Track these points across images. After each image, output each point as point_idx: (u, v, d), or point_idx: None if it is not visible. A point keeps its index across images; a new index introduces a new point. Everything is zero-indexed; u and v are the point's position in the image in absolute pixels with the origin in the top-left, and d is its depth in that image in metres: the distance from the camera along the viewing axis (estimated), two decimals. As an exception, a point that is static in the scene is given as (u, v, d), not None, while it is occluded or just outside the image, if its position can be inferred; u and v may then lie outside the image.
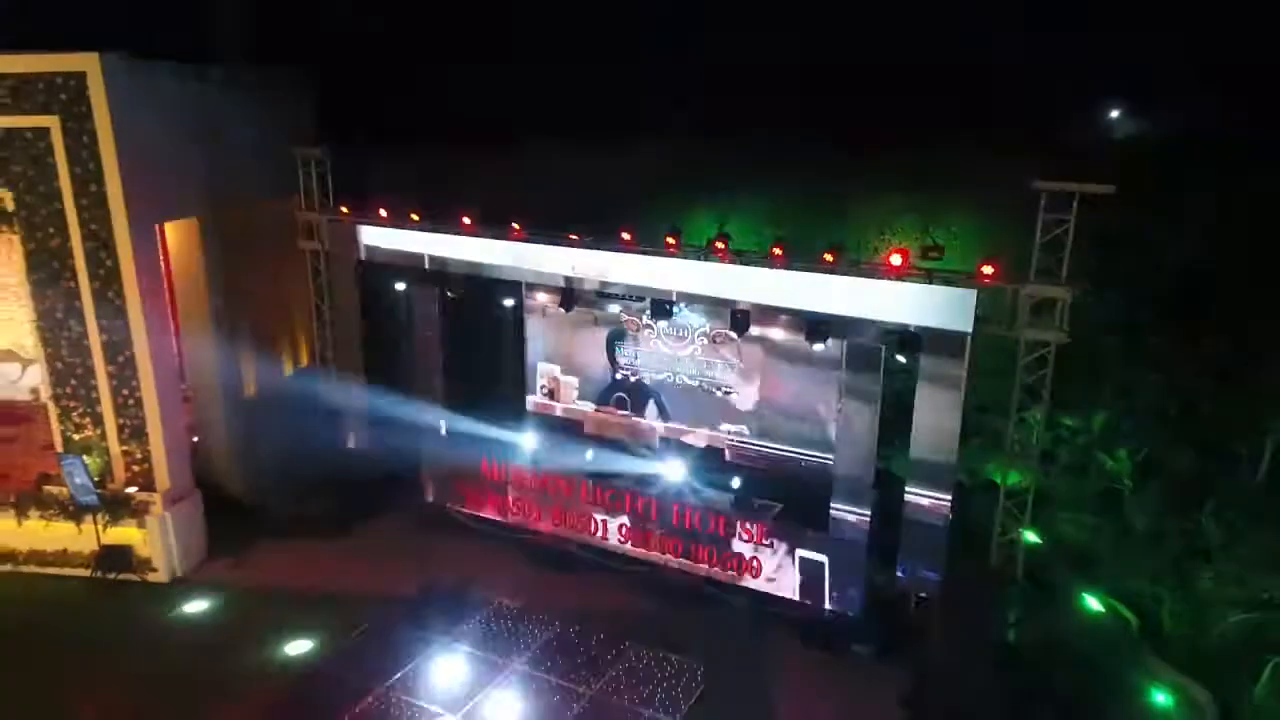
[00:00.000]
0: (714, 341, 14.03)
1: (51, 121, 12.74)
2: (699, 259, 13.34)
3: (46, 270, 13.52)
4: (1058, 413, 15.14)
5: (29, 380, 18.57)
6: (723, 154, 16.77)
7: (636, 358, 14.84)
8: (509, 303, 15.49)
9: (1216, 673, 11.32)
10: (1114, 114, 16.64)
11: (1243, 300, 12.71)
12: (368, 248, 15.78)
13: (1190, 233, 13.53)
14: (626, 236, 13.93)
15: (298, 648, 12.60)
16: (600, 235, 14.05)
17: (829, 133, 15.65)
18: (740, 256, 13.29)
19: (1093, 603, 13.42)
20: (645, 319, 14.48)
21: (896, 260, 11.47)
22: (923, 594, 12.58)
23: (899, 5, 16.51)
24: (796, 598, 13.40)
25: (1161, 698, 11.61)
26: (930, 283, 11.41)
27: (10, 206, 13.23)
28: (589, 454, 15.22)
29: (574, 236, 14.18)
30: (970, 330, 11.13)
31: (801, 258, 12.58)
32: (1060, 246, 10.78)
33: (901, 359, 12.08)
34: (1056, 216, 10.48)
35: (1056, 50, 15.05)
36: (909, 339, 11.68)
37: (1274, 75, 13.53)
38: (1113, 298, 14.65)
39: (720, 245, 13.17)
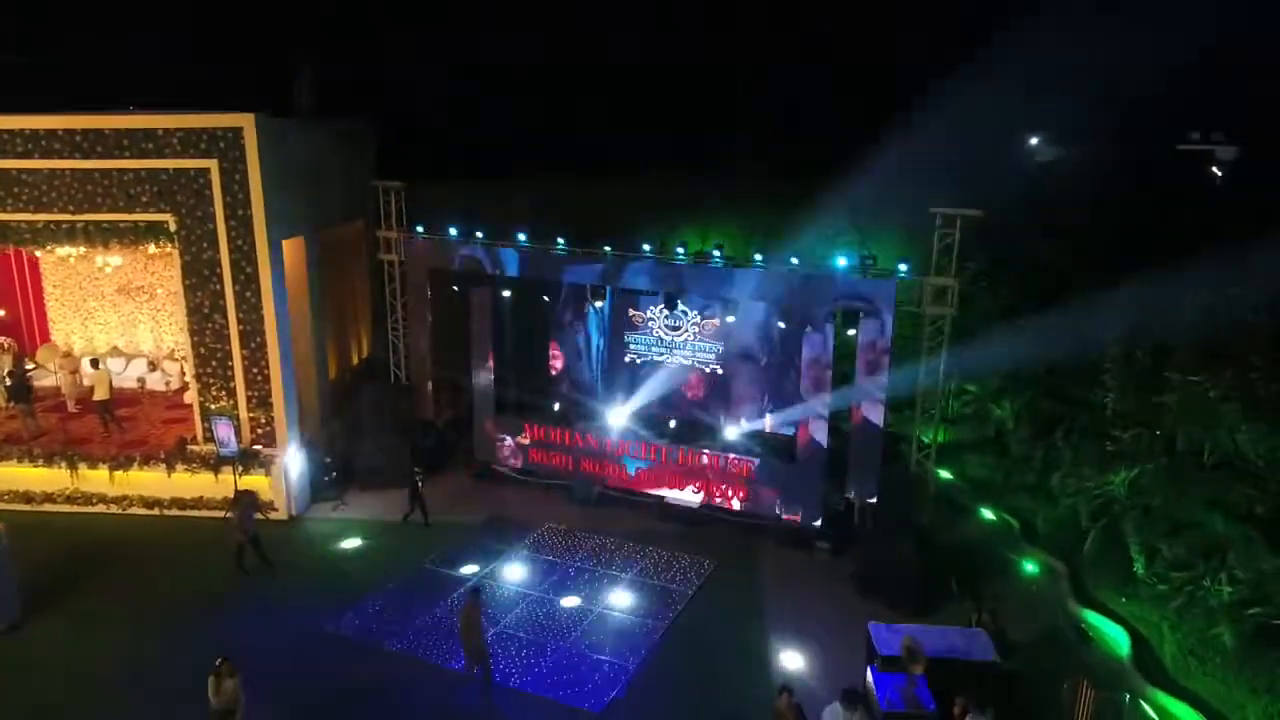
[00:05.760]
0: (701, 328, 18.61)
1: (211, 164, 16.73)
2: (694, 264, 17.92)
3: (198, 276, 17.38)
4: (960, 379, 20.25)
5: (132, 371, 22.52)
6: (706, 186, 21.75)
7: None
8: (547, 299, 19.83)
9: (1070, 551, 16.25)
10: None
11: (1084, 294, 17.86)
12: (433, 258, 20.04)
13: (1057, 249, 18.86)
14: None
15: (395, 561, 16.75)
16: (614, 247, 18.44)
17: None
18: (728, 261, 17.95)
19: (988, 513, 18.36)
20: (650, 311, 18.94)
21: (842, 262, 16.26)
22: (870, 500, 17.26)
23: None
24: (777, 514, 17.94)
25: (1030, 566, 16.50)
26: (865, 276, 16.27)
27: (173, 227, 17.13)
28: (607, 416, 19.65)
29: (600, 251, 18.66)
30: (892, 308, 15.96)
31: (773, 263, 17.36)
32: (953, 251, 15.63)
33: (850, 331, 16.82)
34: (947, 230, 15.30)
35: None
36: (850, 314, 16.41)
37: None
38: (1002, 292, 19.85)
39: (713, 253, 17.85)
